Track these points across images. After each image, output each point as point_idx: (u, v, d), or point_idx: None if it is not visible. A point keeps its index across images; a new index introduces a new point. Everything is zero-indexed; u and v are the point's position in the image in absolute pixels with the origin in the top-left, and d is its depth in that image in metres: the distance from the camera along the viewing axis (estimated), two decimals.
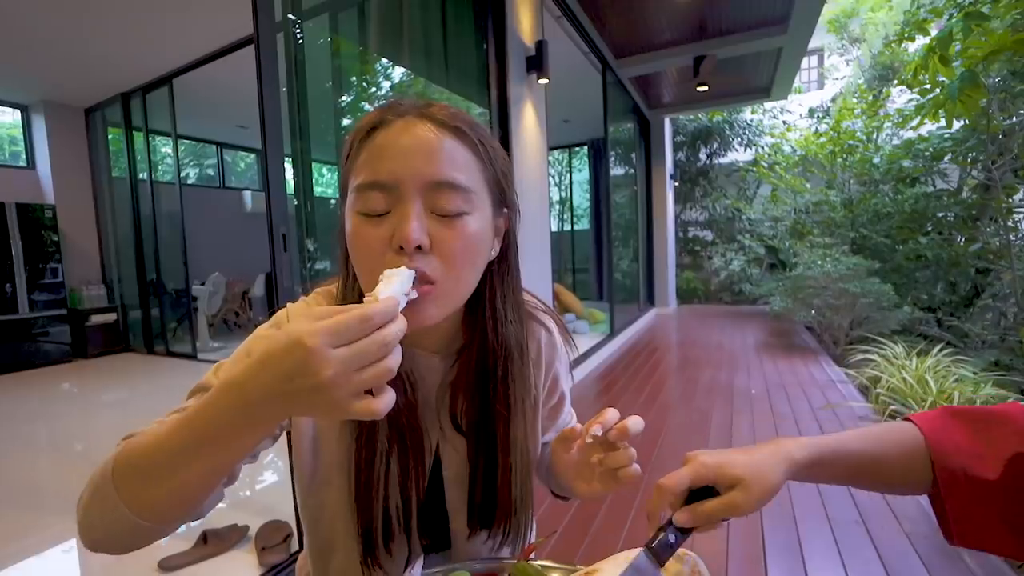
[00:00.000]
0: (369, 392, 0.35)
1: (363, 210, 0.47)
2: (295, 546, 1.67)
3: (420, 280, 0.45)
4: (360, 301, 0.41)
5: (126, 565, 1.70)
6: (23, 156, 5.69)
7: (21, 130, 5.67)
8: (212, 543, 1.69)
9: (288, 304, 0.61)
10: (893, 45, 6.27)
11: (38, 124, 5.58)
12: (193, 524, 1.95)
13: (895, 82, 6.41)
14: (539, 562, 0.56)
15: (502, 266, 0.56)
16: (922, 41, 2.82)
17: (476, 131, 0.50)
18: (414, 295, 0.43)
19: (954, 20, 2.15)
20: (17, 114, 5.64)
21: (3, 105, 5.53)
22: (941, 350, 3.28)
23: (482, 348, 0.56)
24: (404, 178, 0.46)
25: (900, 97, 6.30)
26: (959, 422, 0.51)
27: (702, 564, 0.46)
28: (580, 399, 3.63)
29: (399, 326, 0.35)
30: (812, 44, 5.15)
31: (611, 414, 0.49)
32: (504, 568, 0.56)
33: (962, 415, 0.51)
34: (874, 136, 6.11)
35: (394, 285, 0.40)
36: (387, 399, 0.36)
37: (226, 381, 0.36)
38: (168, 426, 0.39)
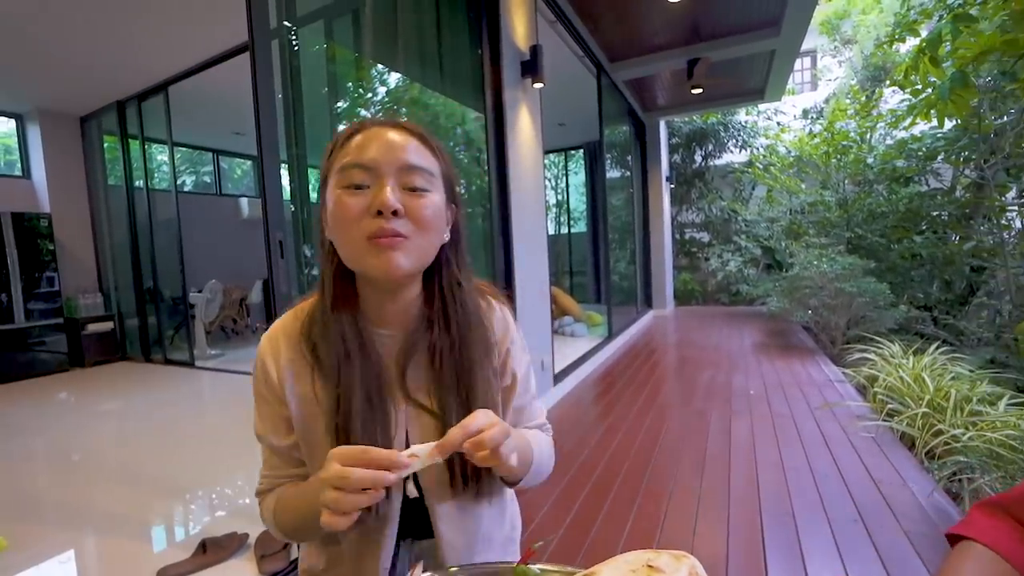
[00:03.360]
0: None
1: (346, 184, 0.59)
2: (295, 553, 1.66)
3: (393, 235, 0.57)
4: (337, 279, 0.64)
5: (126, 575, 1.69)
6: (18, 165, 5.68)
7: (16, 139, 5.66)
8: (211, 551, 1.68)
9: (272, 324, 0.71)
10: (884, 46, 6.32)
11: (33, 133, 5.57)
12: (194, 531, 1.96)
13: (887, 83, 6.44)
14: (538, 565, 0.56)
15: (453, 248, 0.68)
16: (913, 42, 2.84)
17: (433, 139, 0.64)
18: (436, 459, 0.52)
19: (943, 22, 2.17)
20: (12, 123, 5.63)
21: None
22: (937, 348, 3.28)
23: (442, 317, 0.66)
24: (382, 161, 0.58)
25: (892, 97, 6.34)
26: (1013, 524, 0.50)
27: (700, 567, 0.46)
28: (579, 401, 3.63)
29: (372, 476, 0.48)
30: (805, 46, 5.21)
31: (474, 424, 0.52)
32: (504, 572, 0.56)
33: (1005, 508, 0.51)
34: (867, 136, 6.14)
35: (421, 447, 0.51)
36: (336, 521, 0.49)
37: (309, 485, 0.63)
38: (291, 504, 0.65)
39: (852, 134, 6.08)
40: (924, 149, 4.91)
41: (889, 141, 6.00)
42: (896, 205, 5.25)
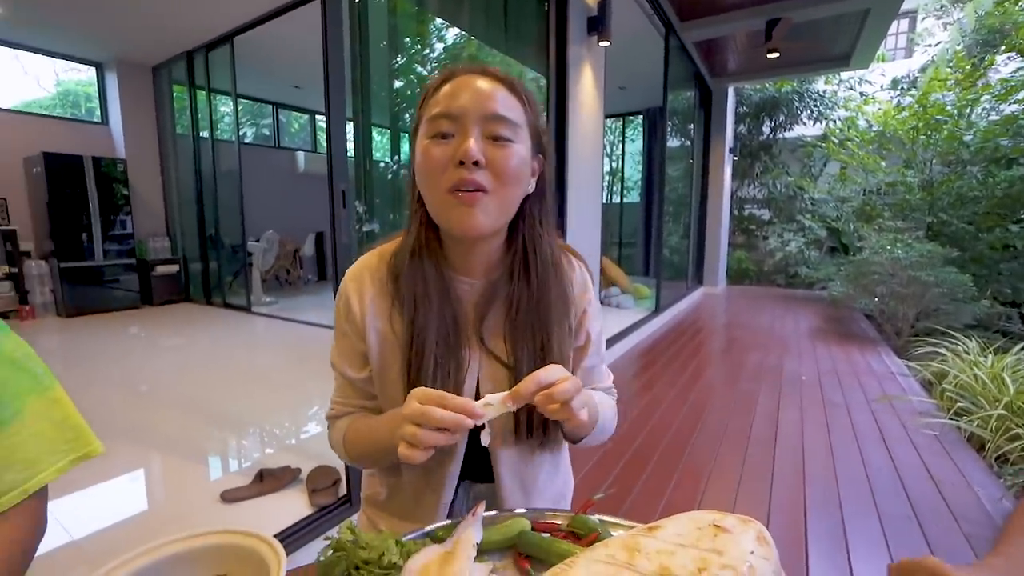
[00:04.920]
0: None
1: (432, 133, 0.59)
2: (343, 491, 1.75)
3: (474, 188, 0.57)
4: (424, 224, 0.65)
5: (191, 495, 1.84)
6: (97, 112, 6.02)
7: (96, 87, 5.98)
8: (268, 481, 1.79)
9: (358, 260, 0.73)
10: (1007, 4, 5.52)
11: (111, 81, 5.86)
12: (247, 464, 2.09)
13: (1002, 48, 5.68)
14: (598, 516, 0.57)
15: (537, 200, 0.68)
16: None
17: (523, 88, 0.63)
18: (509, 407, 0.52)
19: None
20: (93, 71, 5.93)
21: (81, 62, 5.82)
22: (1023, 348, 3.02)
23: (522, 268, 0.66)
24: (467, 110, 0.58)
25: (1006, 66, 5.62)
26: None
27: (767, 533, 0.44)
28: (621, 373, 3.60)
29: (451, 418, 0.50)
30: (905, 5, 4.65)
31: (547, 376, 0.52)
32: (564, 519, 0.57)
33: None
34: (967, 111, 5.52)
35: (493, 396, 0.52)
36: (413, 453, 0.51)
37: (383, 419, 0.65)
38: (364, 435, 0.67)
39: (949, 107, 5.49)
40: None
41: (994, 116, 5.36)
42: (992, 189, 4.75)
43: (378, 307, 0.68)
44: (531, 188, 0.66)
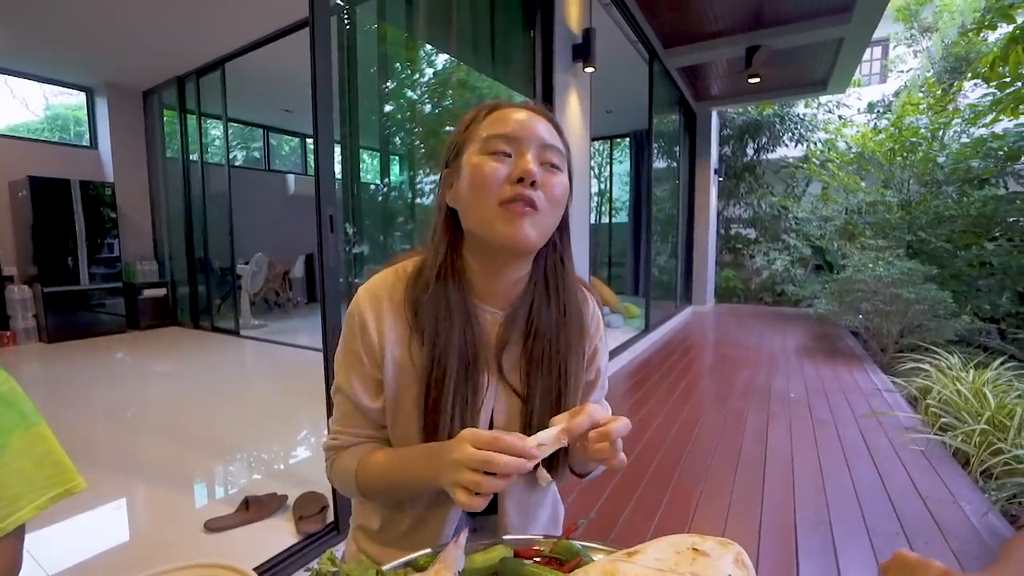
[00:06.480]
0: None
1: (490, 151, 0.61)
2: (331, 517, 1.72)
3: (528, 205, 0.59)
4: (450, 248, 0.65)
5: (174, 525, 1.80)
6: (86, 136, 6.02)
7: (86, 111, 5.99)
8: (253, 509, 1.76)
9: (374, 276, 0.70)
10: (970, 34, 5.82)
11: (101, 106, 5.88)
12: (232, 491, 2.05)
13: (968, 75, 5.96)
14: (580, 542, 0.56)
15: (561, 232, 0.69)
16: (1005, 30, 2.59)
17: (562, 129, 0.67)
18: (563, 443, 0.52)
19: None
20: (83, 96, 5.95)
21: (71, 87, 5.84)
22: (1003, 363, 3.08)
23: (544, 295, 0.67)
24: (525, 135, 0.61)
25: (973, 92, 5.87)
26: None
27: (746, 556, 0.45)
28: (611, 393, 3.58)
29: (515, 463, 0.48)
30: (877, 34, 4.85)
31: (597, 414, 0.53)
32: (546, 545, 0.57)
33: None
34: (940, 134, 5.73)
35: (545, 433, 0.52)
36: (477, 501, 0.49)
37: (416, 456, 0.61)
38: (385, 470, 0.64)
39: (923, 130, 5.69)
40: (1007, 148, 4.54)
41: (965, 139, 5.57)
42: (967, 208, 4.90)
43: (398, 333, 0.65)
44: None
